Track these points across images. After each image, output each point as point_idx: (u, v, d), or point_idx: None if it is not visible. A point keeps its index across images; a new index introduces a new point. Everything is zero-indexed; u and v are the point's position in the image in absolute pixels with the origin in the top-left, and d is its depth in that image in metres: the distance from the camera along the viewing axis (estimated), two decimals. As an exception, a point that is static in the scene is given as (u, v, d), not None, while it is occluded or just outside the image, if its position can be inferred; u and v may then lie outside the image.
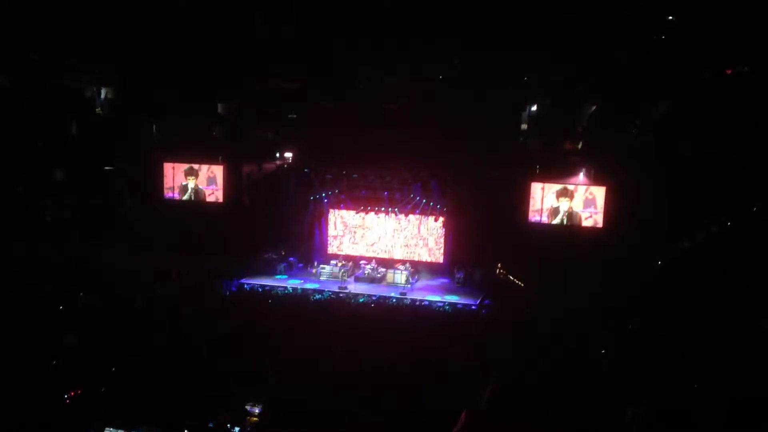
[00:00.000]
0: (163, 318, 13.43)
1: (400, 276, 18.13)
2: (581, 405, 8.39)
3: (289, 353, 11.70)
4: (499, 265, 17.72)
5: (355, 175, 19.15)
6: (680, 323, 12.22)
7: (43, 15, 13.26)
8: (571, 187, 16.82)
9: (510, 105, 17.40)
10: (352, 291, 17.24)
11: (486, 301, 16.48)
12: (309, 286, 17.65)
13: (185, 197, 19.12)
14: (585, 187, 16.76)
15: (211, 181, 19.16)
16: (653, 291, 14.28)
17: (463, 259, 18.51)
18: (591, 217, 16.76)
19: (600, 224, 16.67)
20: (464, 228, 18.32)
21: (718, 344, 10.68)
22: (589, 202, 16.78)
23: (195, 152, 19.14)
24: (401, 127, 17.61)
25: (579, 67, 14.42)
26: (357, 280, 18.40)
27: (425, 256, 19.37)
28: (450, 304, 16.40)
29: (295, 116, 18.82)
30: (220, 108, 19.74)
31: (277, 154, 19.62)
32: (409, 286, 17.92)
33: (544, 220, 17.05)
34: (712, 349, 10.56)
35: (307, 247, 19.87)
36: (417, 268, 19.03)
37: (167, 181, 19.34)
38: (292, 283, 17.82)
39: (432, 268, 19.24)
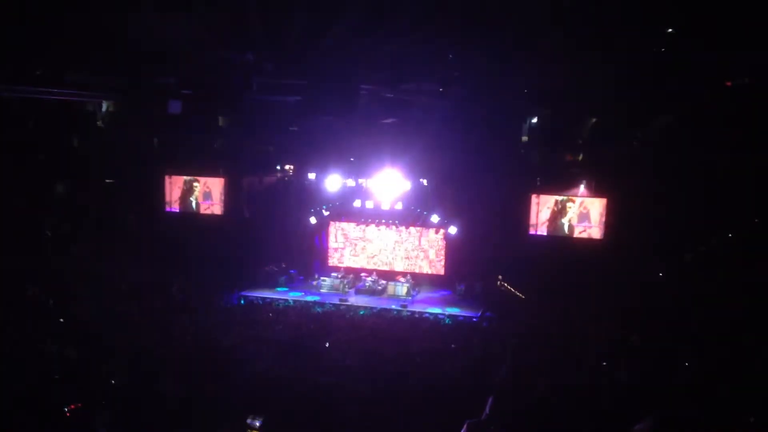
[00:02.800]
0: (163, 331, 13.39)
1: (401, 288, 18.12)
2: (583, 417, 8.35)
3: (290, 366, 11.66)
4: (499, 277, 17.72)
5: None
6: (683, 335, 12.20)
7: (46, 30, 13.31)
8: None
9: (510, 117, 17.42)
10: (353, 303, 17.23)
11: (487, 314, 16.45)
12: (310, 298, 17.65)
13: (191, 198, 19.17)
14: (580, 200, 16.80)
15: (206, 196, 19.22)
16: (654, 303, 14.27)
17: (464, 271, 18.50)
18: (585, 231, 16.79)
19: (594, 237, 16.70)
20: (465, 240, 18.32)
21: (723, 355, 10.66)
22: (583, 216, 16.82)
23: (196, 165, 19.21)
24: (400, 140, 17.64)
25: (579, 79, 14.44)
26: (358, 292, 18.39)
27: (426, 268, 19.37)
28: (451, 316, 16.37)
29: (295, 129, 18.85)
30: (221, 121, 19.80)
31: (278, 167, 19.67)
32: (410, 298, 17.91)
33: (544, 231, 17.06)
34: (717, 360, 10.54)
35: (308, 259, 19.88)
36: (418, 280, 19.02)
37: (168, 195, 19.40)
38: (293, 296, 17.82)
39: (433, 281, 19.24)
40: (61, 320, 13.50)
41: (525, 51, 13.26)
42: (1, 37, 12.58)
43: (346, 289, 18.36)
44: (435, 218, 18.40)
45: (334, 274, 19.04)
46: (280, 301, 17.46)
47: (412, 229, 19.36)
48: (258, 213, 19.54)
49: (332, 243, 20.05)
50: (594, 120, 16.99)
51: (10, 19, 12.30)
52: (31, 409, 9.06)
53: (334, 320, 15.80)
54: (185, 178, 19.36)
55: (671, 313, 13.50)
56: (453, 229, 18.29)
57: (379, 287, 18.48)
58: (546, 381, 9.91)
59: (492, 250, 17.59)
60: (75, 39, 13.35)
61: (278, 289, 18.50)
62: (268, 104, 17.78)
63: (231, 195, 19.28)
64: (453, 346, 13.58)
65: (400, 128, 17.71)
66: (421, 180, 18.50)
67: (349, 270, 19.53)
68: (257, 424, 8.78)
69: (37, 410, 9.10)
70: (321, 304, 17.23)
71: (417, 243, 19.41)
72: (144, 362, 11.47)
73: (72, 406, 9.43)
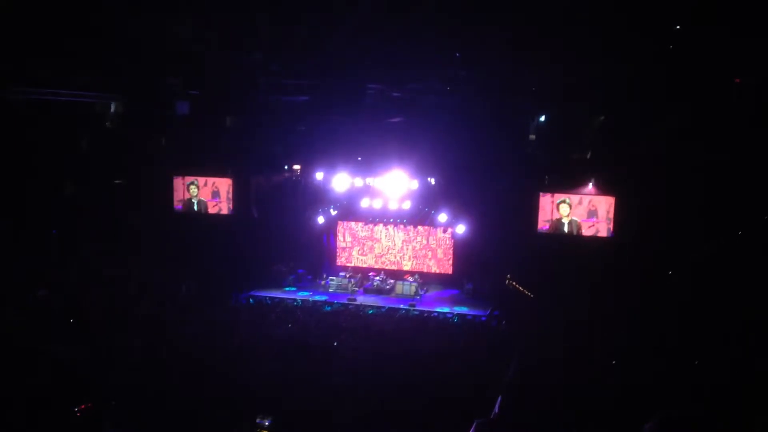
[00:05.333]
0: (171, 331, 13.43)
1: (408, 287, 18.11)
2: (592, 416, 8.33)
3: (299, 365, 11.68)
4: (508, 276, 17.68)
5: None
6: (692, 333, 12.15)
7: (52, 32, 13.38)
8: (575, 197, 16.83)
9: (517, 115, 17.38)
10: (361, 303, 17.23)
11: (495, 312, 16.42)
12: (318, 298, 17.66)
13: (200, 198, 19.25)
14: (588, 199, 16.75)
15: (214, 196, 19.27)
16: (664, 301, 14.21)
17: (472, 270, 18.48)
18: (593, 229, 16.74)
19: (603, 236, 16.65)
20: (473, 239, 18.29)
21: (730, 352, 10.62)
22: (591, 215, 16.77)
23: (204, 165, 19.24)
24: (408, 139, 17.63)
25: (587, 77, 14.41)
26: (366, 291, 18.39)
27: (434, 267, 19.36)
28: (459, 315, 16.35)
29: (303, 129, 18.86)
30: (228, 121, 19.82)
31: (286, 167, 19.69)
32: (418, 297, 17.90)
33: (552, 230, 17.02)
34: (725, 357, 10.49)
35: (316, 259, 19.90)
36: (426, 279, 19.00)
37: (176, 195, 19.46)
38: (301, 295, 17.83)
39: (441, 280, 19.22)
40: (71, 321, 13.57)
41: (532, 49, 13.25)
42: (9, 38, 12.64)
43: (354, 289, 18.37)
44: (443, 217, 18.38)
45: (342, 274, 19.05)
46: (289, 300, 17.48)
47: (420, 228, 19.34)
48: (266, 213, 19.55)
49: (340, 242, 20.06)
50: (602, 118, 16.92)
51: (19, 20, 12.36)
52: (41, 410, 9.10)
53: (343, 320, 15.82)
54: (193, 178, 19.40)
55: (680, 312, 13.45)
56: (461, 228, 18.27)
57: (387, 286, 18.47)
58: (555, 380, 9.89)
59: (500, 248, 17.56)
60: (83, 40, 13.42)
61: (286, 288, 18.53)
62: (276, 104, 17.83)
63: (239, 195, 19.30)
64: (461, 345, 13.57)
65: (408, 127, 17.71)
66: (428, 179, 18.47)
67: (357, 269, 19.53)
68: (266, 423, 8.81)
69: (46, 411, 9.15)
70: (329, 303, 17.24)
71: (425, 242, 19.40)
72: (153, 363, 11.52)
73: (82, 407, 9.48)
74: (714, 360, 10.53)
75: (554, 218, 16.92)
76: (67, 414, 9.36)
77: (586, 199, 16.78)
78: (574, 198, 16.79)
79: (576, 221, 16.83)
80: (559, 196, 16.96)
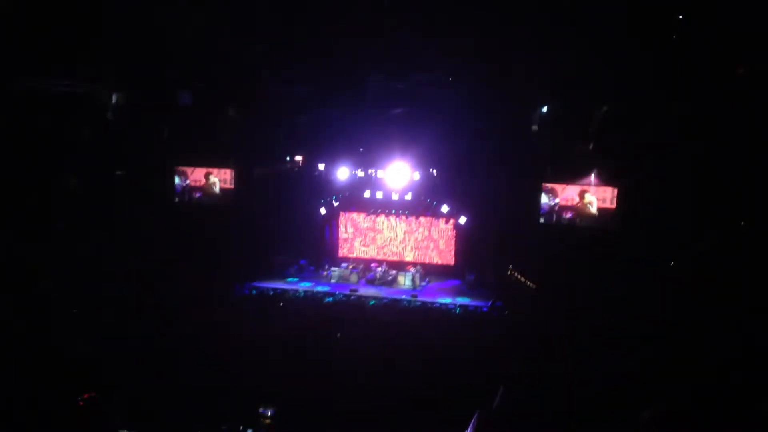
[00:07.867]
0: (173, 321, 13.47)
1: (410, 278, 18.11)
2: (593, 406, 8.36)
3: (301, 355, 11.72)
4: (510, 266, 17.69)
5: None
6: (695, 325, 12.16)
7: (54, 23, 13.36)
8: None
9: (520, 106, 17.33)
10: (363, 293, 17.23)
11: (497, 303, 16.44)
12: (320, 289, 17.68)
13: (201, 189, 19.21)
14: (591, 189, 16.72)
15: (216, 187, 19.26)
16: (667, 292, 14.21)
17: (474, 260, 18.48)
18: (596, 220, 16.72)
19: (605, 227, 16.60)
20: (475, 230, 18.30)
21: (731, 345, 10.63)
22: (593, 206, 16.74)
23: (206, 156, 19.22)
24: (410, 130, 17.61)
25: (590, 67, 14.37)
26: (368, 282, 18.39)
27: (436, 258, 19.37)
28: (461, 306, 16.36)
29: (305, 119, 18.83)
30: (230, 112, 19.80)
31: (288, 158, 19.68)
32: (420, 288, 17.91)
33: (554, 221, 16.99)
34: (725, 349, 10.51)
35: (318, 250, 19.91)
36: (428, 270, 19.01)
37: (178, 186, 19.45)
38: (303, 286, 17.84)
39: (443, 271, 19.22)
40: (74, 311, 13.61)
41: (536, 39, 13.22)
42: (9, 30, 12.62)
43: (356, 280, 18.38)
44: (445, 208, 18.38)
45: (344, 265, 19.06)
46: (291, 291, 17.50)
47: (422, 219, 19.34)
48: (268, 204, 19.55)
49: (342, 233, 20.07)
50: (605, 108, 16.87)
51: (19, 12, 12.34)
52: (45, 400, 9.15)
53: (345, 310, 15.85)
54: (195, 169, 19.39)
55: (682, 302, 13.45)
56: (463, 219, 18.28)
57: (389, 277, 18.47)
58: (556, 370, 9.92)
59: (502, 239, 17.56)
60: (84, 30, 13.40)
61: (289, 279, 18.54)
62: (278, 95, 17.80)
63: (241, 186, 19.29)
64: (463, 335, 13.61)
65: (410, 118, 17.69)
66: (430, 170, 18.46)
67: (359, 260, 19.54)
68: (269, 413, 8.84)
69: (50, 401, 9.19)
70: (331, 294, 17.25)
71: (427, 233, 19.40)
72: (156, 353, 11.56)
73: (85, 396, 9.52)
74: (715, 350, 10.55)
75: (568, 208, 16.87)
76: (71, 403, 9.41)
77: (589, 190, 16.75)
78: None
79: (582, 213, 16.79)
80: (560, 186, 16.94)
